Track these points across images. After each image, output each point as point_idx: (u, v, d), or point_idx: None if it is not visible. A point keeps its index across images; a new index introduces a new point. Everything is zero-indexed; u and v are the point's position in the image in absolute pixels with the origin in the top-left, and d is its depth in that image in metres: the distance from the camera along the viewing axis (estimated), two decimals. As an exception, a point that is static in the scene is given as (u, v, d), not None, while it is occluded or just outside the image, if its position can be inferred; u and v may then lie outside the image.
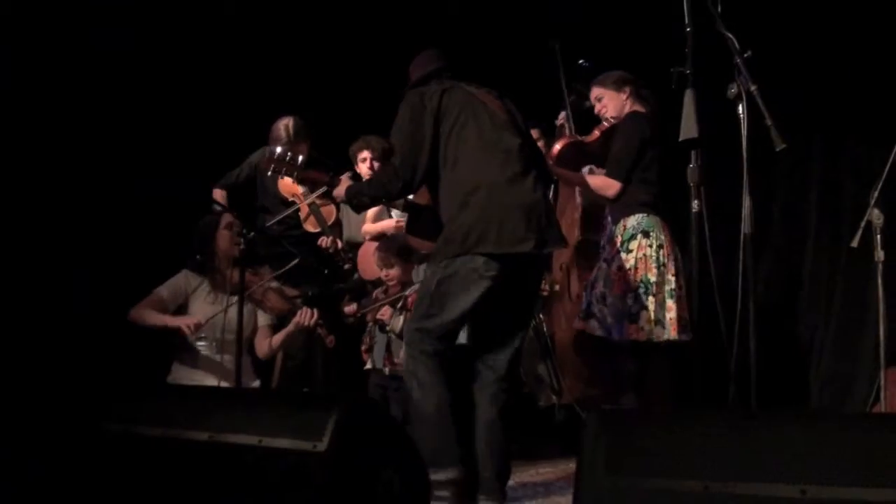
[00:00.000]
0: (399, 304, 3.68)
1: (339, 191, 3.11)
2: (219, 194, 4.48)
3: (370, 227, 4.32)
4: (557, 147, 3.83)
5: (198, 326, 3.49)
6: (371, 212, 4.31)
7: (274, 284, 3.71)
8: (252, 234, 3.29)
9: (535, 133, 4.37)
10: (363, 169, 4.34)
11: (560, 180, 3.86)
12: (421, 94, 2.90)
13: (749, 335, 2.53)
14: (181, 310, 3.67)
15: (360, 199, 3.05)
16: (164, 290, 3.66)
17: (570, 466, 3.33)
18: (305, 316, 3.54)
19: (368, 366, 3.88)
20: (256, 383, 3.69)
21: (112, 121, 4.62)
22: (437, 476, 2.59)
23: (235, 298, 3.42)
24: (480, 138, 2.81)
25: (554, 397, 3.81)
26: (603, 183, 3.60)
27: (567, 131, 4.13)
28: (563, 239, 2.95)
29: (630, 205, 3.57)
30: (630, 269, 3.47)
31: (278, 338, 3.69)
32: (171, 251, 4.06)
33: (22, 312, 4.08)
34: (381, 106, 4.77)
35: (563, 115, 4.21)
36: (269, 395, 2.84)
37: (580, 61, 4.12)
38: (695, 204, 2.60)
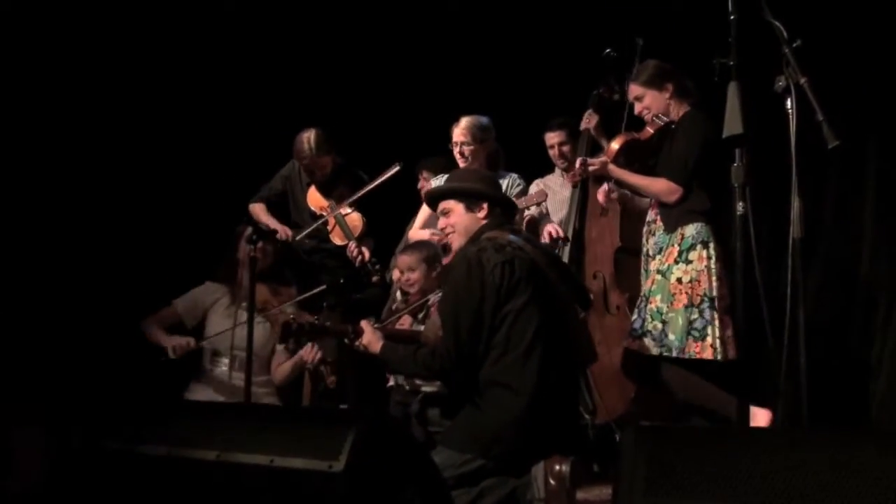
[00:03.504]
0: (421, 314, 3.68)
1: (372, 345, 3.06)
2: (258, 208, 4.65)
3: (416, 234, 4.40)
4: (616, 146, 3.79)
5: (180, 350, 3.61)
6: (421, 216, 4.43)
7: (290, 309, 3.78)
8: (256, 238, 3.34)
9: (561, 135, 4.42)
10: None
11: (616, 181, 3.80)
12: (479, 261, 2.81)
13: (799, 349, 2.50)
14: (200, 324, 3.81)
15: (396, 368, 3.23)
16: (180, 304, 3.81)
17: (606, 492, 3.31)
18: (308, 354, 3.63)
19: (391, 383, 3.89)
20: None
21: (144, 131, 4.90)
22: None
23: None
24: (538, 330, 2.78)
25: (586, 416, 3.79)
26: (666, 188, 3.55)
27: (592, 132, 4.14)
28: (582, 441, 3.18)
29: (689, 212, 3.53)
30: (692, 281, 3.44)
31: (286, 366, 3.83)
32: (198, 263, 4.21)
33: (29, 322, 4.22)
34: (407, 114, 5.01)
35: (587, 116, 4.20)
36: (281, 411, 2.85)
37: (606, 51, 4.11)
38: (739, 206, 2.58)
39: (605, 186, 3.89)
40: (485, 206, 3.03)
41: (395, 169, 4.36)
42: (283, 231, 4.46)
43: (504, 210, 3.11)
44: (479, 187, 3.08)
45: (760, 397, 3.23)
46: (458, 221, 3.05)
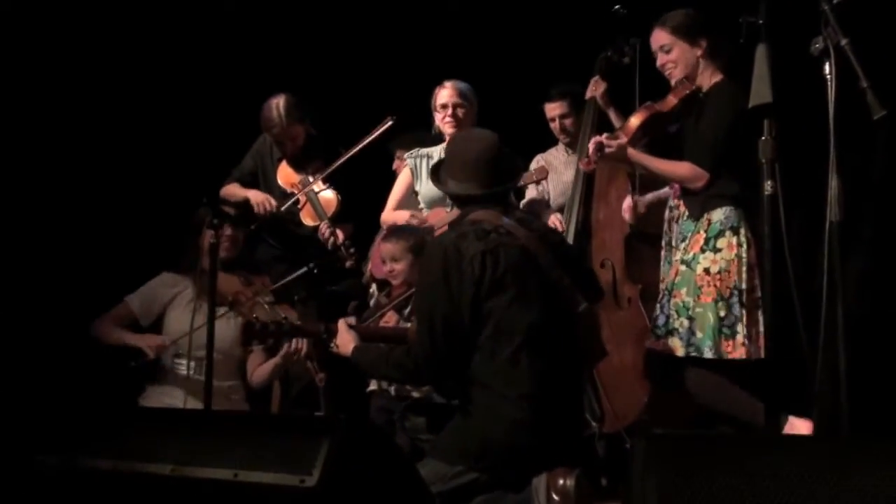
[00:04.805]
0: (407, 310, 3.68)
1: (344, 346, 3.10)
2: (233, 187, 4.65)
3: (391, 217, 4.39)
4: (636, 122, 3.70)
5: (161, 349, 3.63)
6: (394, 196, 4.43)
7: (266, 299, 3.76)
8: (217, 222, 3.32)
9: (562, 106, 4.40)
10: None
11: (635, 166, 3.75)
12: (457, 249, 2.83)
13: (838, 348, 2.50)
14: (157, 321, 3.79)
15: (370, 372, 3.33)
16: (135, 301, 3.80)
17: (616, 509, 3.33)
18: (296, 347, 3.57)
19: (372, 387, 3.88)
20: None
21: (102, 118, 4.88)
22: None
23: (221, 310, 3.50)
24: (531, 327, 2.79)
25: (594, 424, 3.79)
26: (691, 173, 3.50)
27: (599, 101, 4.13)
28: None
29: (716, 196, 3.50)
30: (720, 272, 3.42)
31: (265, 368, 3.79)
32: (147, 250, 4.21)
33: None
34: (390, 80, 4.98)
35: (593, 83, 4.19)
36: (247, 419, 2.85)
37: (615, 7, 4.07)
38: (768, 185, 2.58)
39: (629, 201, 3.87)
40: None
41: (389, 123, 4.36)
42: (266, 201, 4.43)
43: (470, 198, 3.04)
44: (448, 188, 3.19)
45: (798, 405, 3.22)
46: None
